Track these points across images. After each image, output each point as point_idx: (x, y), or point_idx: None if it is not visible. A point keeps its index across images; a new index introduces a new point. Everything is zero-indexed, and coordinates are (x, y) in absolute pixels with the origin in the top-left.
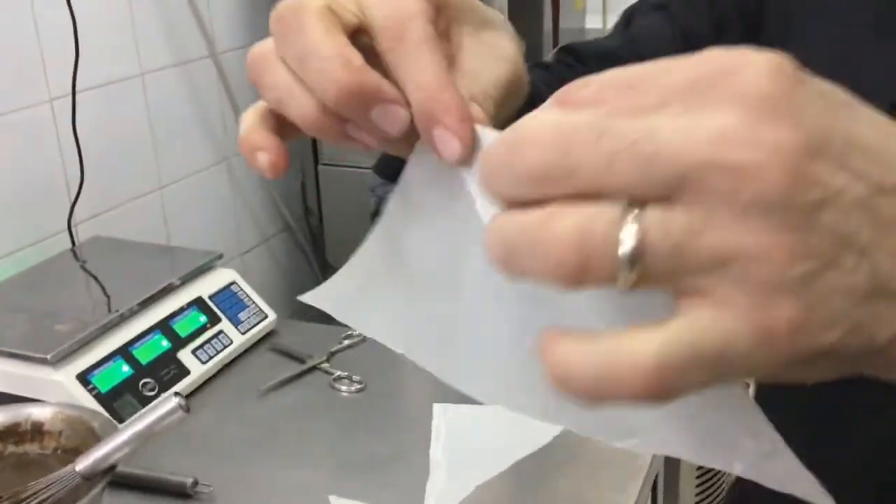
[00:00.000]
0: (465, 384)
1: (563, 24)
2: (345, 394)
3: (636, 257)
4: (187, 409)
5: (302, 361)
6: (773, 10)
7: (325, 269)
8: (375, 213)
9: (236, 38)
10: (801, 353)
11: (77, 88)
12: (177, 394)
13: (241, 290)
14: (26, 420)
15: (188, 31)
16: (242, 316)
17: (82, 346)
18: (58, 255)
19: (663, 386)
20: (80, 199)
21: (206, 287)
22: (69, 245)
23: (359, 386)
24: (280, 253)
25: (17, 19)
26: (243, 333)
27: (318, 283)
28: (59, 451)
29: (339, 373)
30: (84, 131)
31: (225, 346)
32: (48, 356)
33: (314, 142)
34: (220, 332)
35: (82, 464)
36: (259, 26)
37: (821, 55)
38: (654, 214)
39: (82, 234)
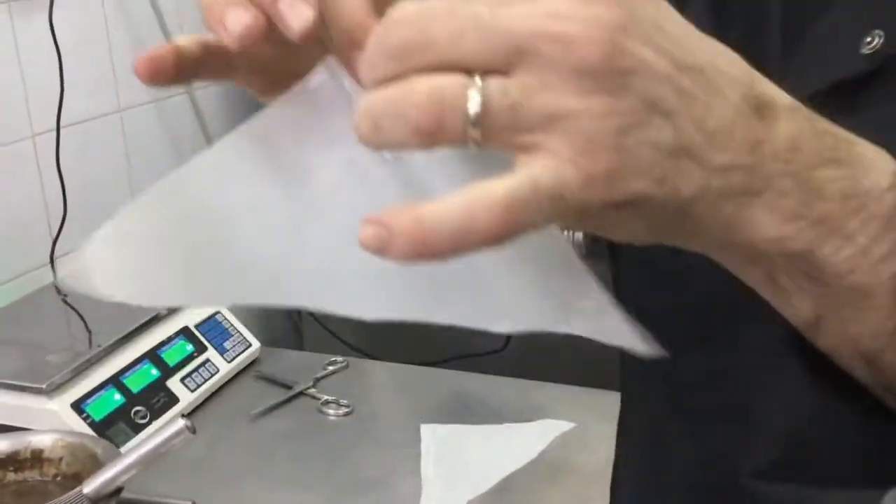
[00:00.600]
0: (327, 303)
1: None
2: (333, 418)
3: (480, 116)
4: (193, 431)
5: (288, 387)
6: None
7: None
8: None
9: None
10: (617, 197)
11: (61, 124)
12: (183, 415)
13: (226, 319)
14: (26, 448)
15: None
16: (228, 344)
17: (75, 376)
18: (41, 289)
19: (513, 220)
20: (61, 233)
21: (191, 317)
22: (51, 279)
23: (346, 409)
24: None
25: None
26: (229, 361)
27: (292, 321)
28: (59, 478)
29: (326, 397)
30: (65, 166)
31: (212, 374)
32: (43, 386)
33: None
34: (207, 360)
35: (89, 486)
36: None
37: None
38: (495, 81)
39: (62, 268)
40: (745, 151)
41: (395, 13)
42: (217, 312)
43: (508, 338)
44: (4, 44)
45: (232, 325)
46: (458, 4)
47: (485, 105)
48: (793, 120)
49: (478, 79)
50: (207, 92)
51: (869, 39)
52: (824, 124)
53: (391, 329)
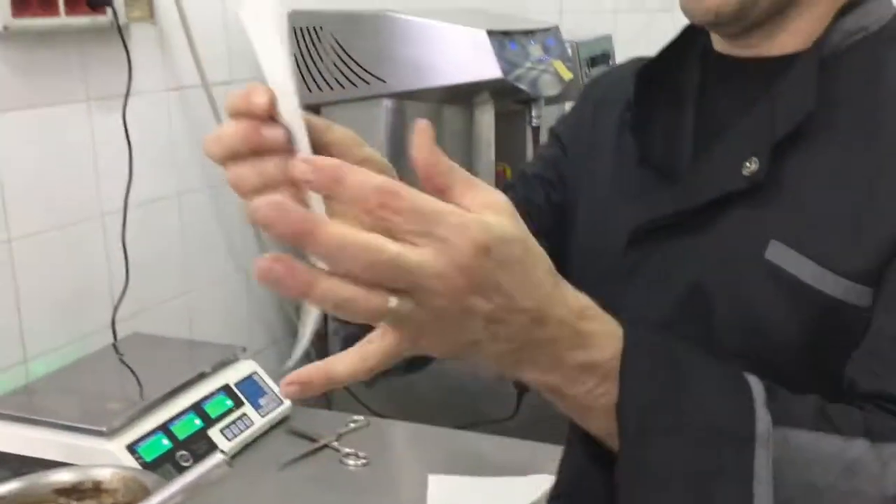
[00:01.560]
0: None
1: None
2: (352, 468)
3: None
4: (231, 465)
5: (314, 440)
6: (567, 182)
7: None
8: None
9: None
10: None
11: (128, 204)
12: (221, 451)
13: (261, 379)
14: (87, 479)
15: None
16: (262, 401)
17: (130, 422)
18: (101, 350)
19: (373, 370)
20: (122, 301)
21: (232, 376)
22: (111, 340)
23: (364, 461)
24: (287, 352)
25: (77, 144)
26: (263, 416)
27: None
28: None
29: (346, 450)
30: (129, 241)
31: (247, 427)
32: (103, 429)
33: None
34: (244, 414)
35: None
36: None
37: (593, 208)
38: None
39: (120, 330)
40: (519, 345)
41: (362, 245)
42: (254, 373)
43: (518, 405)
44: (82, 136)
45: (267, 384)
46: (388, 249)
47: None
48: (559, 327)
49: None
50: None
51: (748, 163)
52: (581, 325)
53: (409, 395)
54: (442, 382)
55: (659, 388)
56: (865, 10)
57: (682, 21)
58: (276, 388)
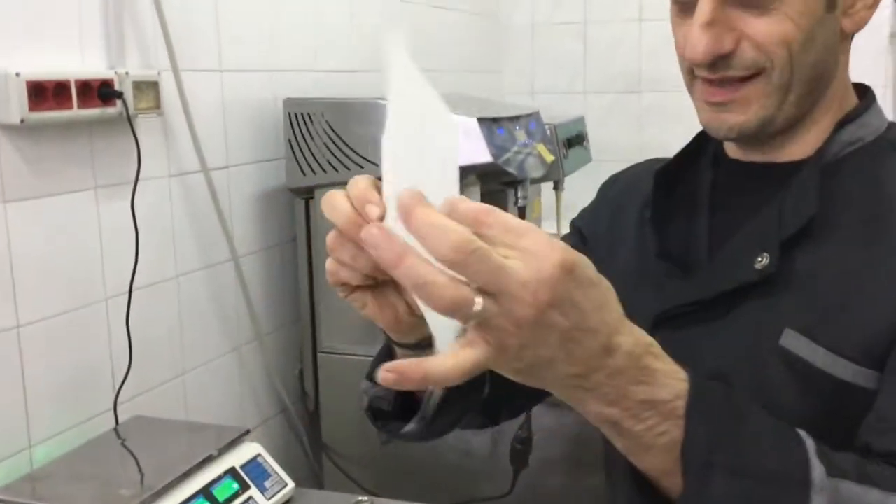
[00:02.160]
0: None
1: None
2: None
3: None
4: None
5: None
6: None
7: (319, 449)
8: (367, 409)
9: (253, 244)
10: (515, 374)
11: (133, 288)
12: None
13: (266, 461)
14: None
15: (214, 238)
16: (267, 484)
17: None
18: (104, 434)
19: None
20: (125, 384)
21: (237, 458)
22: (112, 424)
23: None
24: (277, 433)
25: (84, 231)
26: (269, 499)
27: (310, 462)
28: None
29: None
30: (133, 324)
31: None
32: None
33: (313, 332)
34: (250, 497)
35: None
36: (272, 234)
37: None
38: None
39: (120, 413)
40: (590, 371)
41: (461, 249)
42: (259, 455)
43: (514, 483)
44: (89, 223)
45: (271, 466)
46: (484, 250)
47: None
48: (627, 358)
49: (478, 299)
50: (250, 258)
51: (759, 259)
52: (647, 360)
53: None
54: (436, 460)
55: (722, 430)
56: (861, 123)
57: (649, 102)
58: (280, 470)
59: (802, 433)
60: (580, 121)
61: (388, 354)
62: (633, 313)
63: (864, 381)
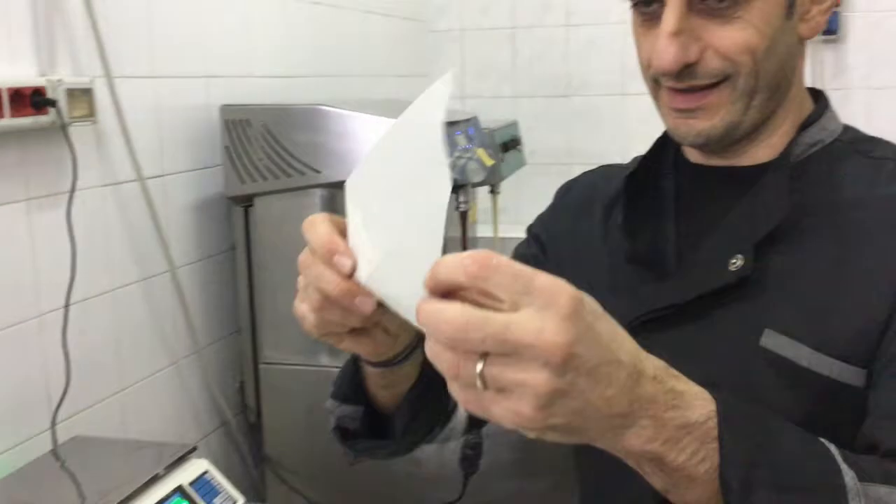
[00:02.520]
0: None
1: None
2: None
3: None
4: None
5: None
6: (550, 246)
7: (261, 462)
8: (336, 429)
9: (191, 254)
10: (544, 433)
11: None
12: None
13: (214, 478)
14: None
15: (151, 248)
16: (217, 501)
17: None
18: (43, 456)
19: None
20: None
21: (184, 476)
22: (50, 446)
23: None
24: (217, 447)
25: (15, 245)
26: None
27: (251, 475)
28: None
29: None
30: (69, 341)
31: None
32: None
33: (254, 343)
34: None
35: None
36: (210, 243)
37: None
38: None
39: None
40: (625, 406)
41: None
42: (206, 471)
43: (464, 489)
44: (21, 237)
45: (220, 483)
46: (485, 319)
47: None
48: (654, 383)
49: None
50: (188, 269)
51: (734, 260)
52: (671, 383)
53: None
54: (382, 469)
55: (756, 447)
56: (820, 126)
57: (578, 106)
58: (229, 486)
59: (825, 441)
60: (514, 125)
61: (355, 371)
62: None
63: (850, 379)
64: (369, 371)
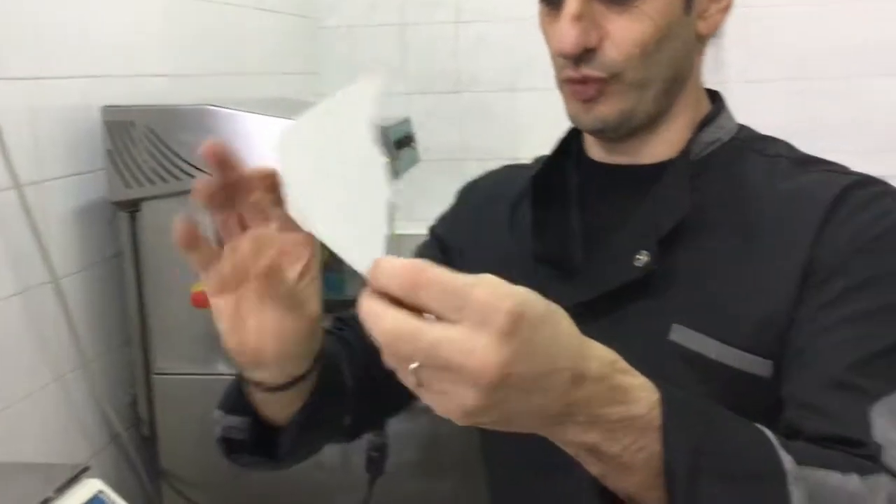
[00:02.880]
0: None
1: None
2: None
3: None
4: None
5: None
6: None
7: (157, 476)
8: (221, 440)
9: (74, 263)
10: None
11: None
12: None
13: (109, 498)
14: None
15: (30, 259)
16: None
17: None
18: None
19: None
20: None
21: (77, 498)
22: None
23: None
24: (109, 464)
25: None
26: None
27: (146, 490)
28: None
29: None
30: None
31: None
32: None
33: (145, 354)
34: None
35: None
36: (94, 251)
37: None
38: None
39: None
40: (559, 408)
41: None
42: (100, 491)
43: (370, 492)
44: None
45: (115, 502)
46: (411, 331)
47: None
48: (595, 383)
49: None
50: (71, 279)
51: (639, 256)
52: (617, 379)
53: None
54: (284, 476)
55: (700, 436)
56: (718, 125)
57: (469, 102)
58: None
59: (762, 428)
60: (407, 122)
61: (243, 383)
62: None
63: (758, 370)
64: (258, 396)
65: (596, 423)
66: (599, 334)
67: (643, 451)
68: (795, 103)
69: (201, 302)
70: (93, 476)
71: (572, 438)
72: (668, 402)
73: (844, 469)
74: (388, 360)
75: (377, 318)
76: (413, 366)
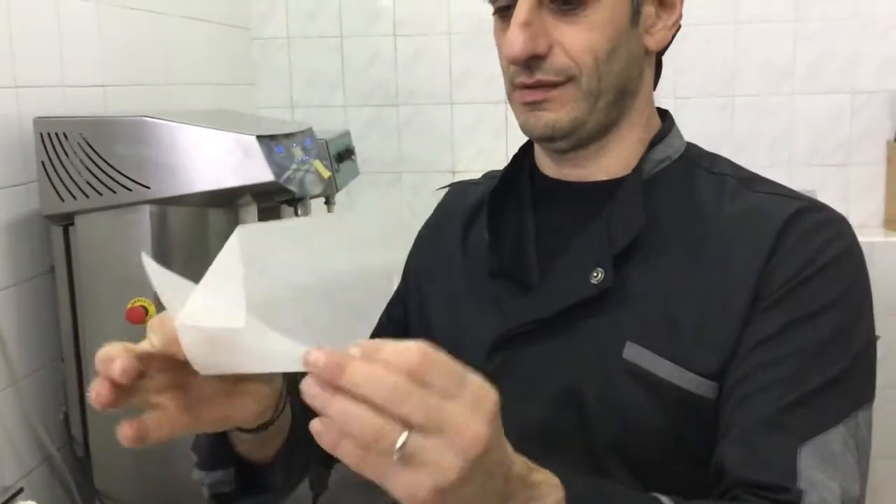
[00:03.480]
0: None
1: None
2: None
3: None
4: None
5: None
6: (407, 300)
7: (91, 496)
8: (211, 497)
9: (4, 278)
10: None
11: None
12: None
13: None
14: None
15: None
16: None
17: None
18: None
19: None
20: None
21: None
22: None
23: None
24: (41, 485)
25: None
26: None
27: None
28: None
29: None
30: None
31: None
32: None
33: (79, 371)
34: None
35: None
36: (25, 266)
37: (448, 320)
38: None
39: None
40: (497, 500)
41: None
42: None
43: None
44: None
45: None
46: (423, 390)
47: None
48: (519, 480)
49: (405, 433)
50: (3, 294)
51: (595, 273)
52: (532, 476)
53: None
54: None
55: None
56: (667, 143)
57: (407, 115)
58: None
59: (665, 498)
60: (347, 135)
61: (216, 437)
62: (473, 336)
63: (707, 392)
64: (241, 437)
65: None
66: (554, 350)
67: None
68: (723, 118)
69: (136, 318)
70: (26, 498)
71: None
72: (570, 498)
73: None
74: (371, 429)
75: (380, 377)
76: (404, 435)
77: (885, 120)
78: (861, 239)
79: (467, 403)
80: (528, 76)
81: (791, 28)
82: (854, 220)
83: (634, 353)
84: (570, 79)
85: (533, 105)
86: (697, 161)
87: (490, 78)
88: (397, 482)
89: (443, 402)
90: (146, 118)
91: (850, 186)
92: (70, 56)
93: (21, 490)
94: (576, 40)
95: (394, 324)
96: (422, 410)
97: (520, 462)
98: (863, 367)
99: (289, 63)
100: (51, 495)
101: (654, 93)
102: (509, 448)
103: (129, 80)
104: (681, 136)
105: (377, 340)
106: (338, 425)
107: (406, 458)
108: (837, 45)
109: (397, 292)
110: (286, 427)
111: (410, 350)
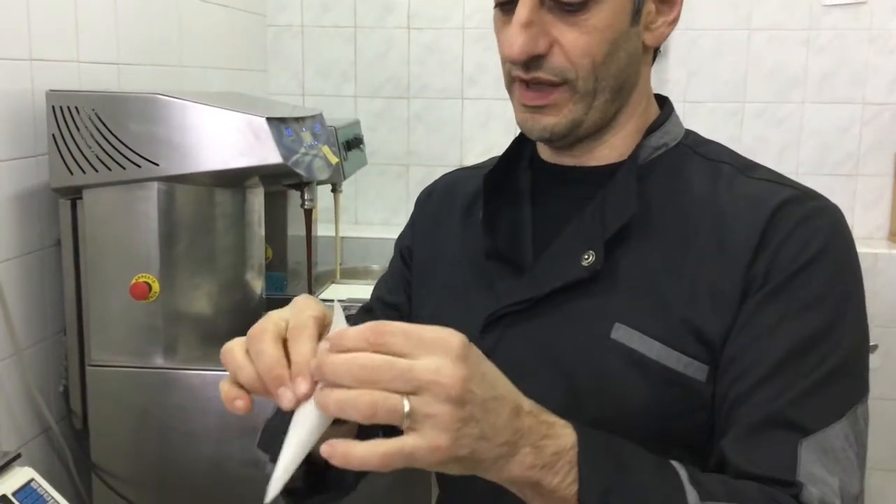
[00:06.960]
0: None
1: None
2: None
3: (409, 413)
4: None
5: None
6: (410, 293)
7: (87, 469)
8: (284, 492)
9: (11, 249)
10: (446, 460)
11: None
12: None
13: (41, 486)
14: None
15: None
16: None
17: None
18: None
19: (388, 464)
20: None
21: (8, 486)
22: None
23: None
24: (39, 455)
25: None
26: None
27: (76, 483)
28: None
29: None
30: None
31: None
32: None
33: (81, 344)
34: None
35: None
36: (33, 238)
37: (443, 300)
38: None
39: None
40: (510, 435)
41: (357, 359)
42: (32, 479)
43: None
44: None
45: (47, 491)
46: (389, 361)
47: (411, 410)
48: (530, 416)
49: (405, 400)
50: (6, 266)
51: (586, 256)
52: (543, 415)
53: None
54: (217, 473)
55: (611, 475)
56: (664, 131)
57: (417, 109)
58: (56, 495)
59: (676, 464)
60: (356, 124)
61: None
62: (469, 314)
63: (695, 373)
64: None
65: (538, 457)
66: (545, 331)
67: (574, 484)
68: (733, 124)
69: (140, 294)
70: (24, 465)
71: (519, 472)
72: (582, 441)
73: (754, 502)
74: (370, 402)
75: (354, 359)
76: (406, 403)
77: (894, 133)
78: (866, 250)
79: (431, 354)
80: (525, 72)
81: (804, 37)
82: (859, 232)
83: (623, 335)
84: (566, 81)
85: (532, 108)
86: (694, 148)
87: (501, 74)
88: (418, 446)
89: (412, 363)
90: (158, 95)
91: (856, 197)
92: (86, 32)
93: (19, 455)
94: (574, 43)
95: (398, 309)
96: (397, 377)
97: (529, 402)
98: (859, 359)
99: (302, 51)
100: (48, 466)
101: (666, 94)
102: (508, 384)
103: (144, 60)
104: (679, 124)
105: (340, 329)
106: (340, 413)
107: (413, 421)
108: (849, 56)
109: (400, 278)
110: (355, 425)
111: (365, 329)
